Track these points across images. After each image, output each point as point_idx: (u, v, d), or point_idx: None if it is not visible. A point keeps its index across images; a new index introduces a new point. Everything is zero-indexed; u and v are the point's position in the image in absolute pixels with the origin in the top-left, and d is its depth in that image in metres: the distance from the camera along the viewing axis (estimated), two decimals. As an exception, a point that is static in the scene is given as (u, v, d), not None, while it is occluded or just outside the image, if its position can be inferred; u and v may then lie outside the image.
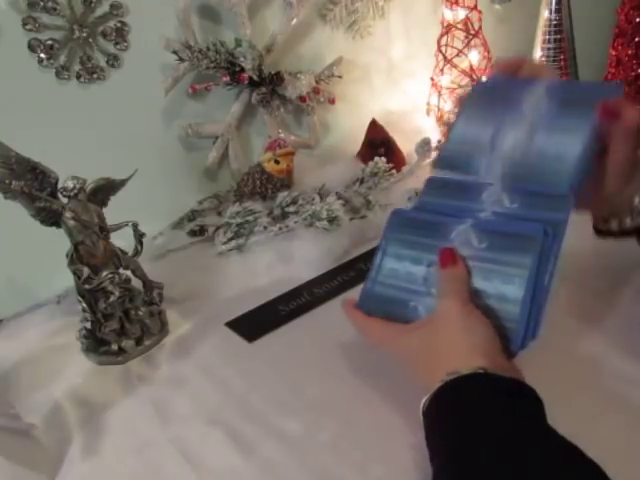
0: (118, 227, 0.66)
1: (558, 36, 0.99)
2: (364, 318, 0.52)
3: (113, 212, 0.65)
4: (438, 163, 0.55)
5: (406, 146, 0.99)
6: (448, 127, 0.55)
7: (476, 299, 0.46)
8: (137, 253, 0.68)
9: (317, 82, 0.98)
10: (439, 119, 1.04)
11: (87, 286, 0.63)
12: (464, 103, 0.55)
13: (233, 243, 0.81)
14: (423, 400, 0.43)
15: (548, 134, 0.49)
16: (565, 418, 0.38)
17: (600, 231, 0.54)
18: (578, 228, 0.54)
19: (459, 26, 0.98)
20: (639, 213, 0.49)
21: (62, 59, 0.80)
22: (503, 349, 0.44)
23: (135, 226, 0.67)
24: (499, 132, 0.51)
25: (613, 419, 0.47)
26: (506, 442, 0.36)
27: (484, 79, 0.56)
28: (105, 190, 0.65)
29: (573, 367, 0.52)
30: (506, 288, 0.45)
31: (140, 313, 0.67)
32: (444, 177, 0.54)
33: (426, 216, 0.52)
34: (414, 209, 0.54)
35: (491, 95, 0.54)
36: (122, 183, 0.66)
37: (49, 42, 0.78)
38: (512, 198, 0.48)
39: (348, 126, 1.07)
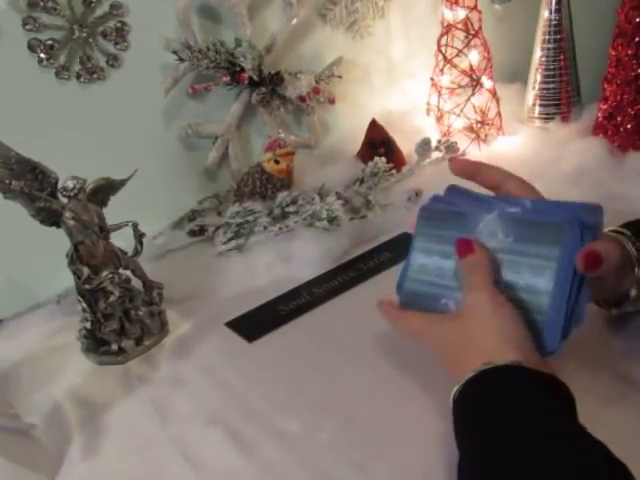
0: (118, 227, 0.66)
1: (558, 36, 0.99)
2: (398, 311, 0.53)
3: (113, 212, 0.65)
4: (401, 299, 0.53)
5: (406, 146, 0.99)
6: (406, 257, 0.55)
7: (507, 292, 0.46)
8: (137, 253, 0.68)
9: (317, 82, 0.98)
10: (439, 119, 1.04)
11: (87, 286, 0.63)
12: (417, 227, 0.53)
13: (233, 243, 0.81)
14: (454, 388, 0.43)
15: (516, 272, 0.46)
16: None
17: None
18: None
19: (459, 26, 0.98)
20: (637, 301, 0.50)
21: (62, 59, 0.80)
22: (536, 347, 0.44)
23: (135, 226, 0.67)
24: None
25: (613, 419, 0.47)
26: (531, 438, 0.36)
27: (435, 197, 0.54)
28: (105, 190, 0.65)
29: (573, 367, 0.52)
30: (537, 280, 0.45)
31: (140, 313, 0.67)
32: (440, 206, 0.53)
33: (453, 208, 0.51)
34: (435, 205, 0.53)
35: (440, 219, 0.52)
36: (122, 183, 0.66)
37: (49, 42, 0.78)
38: (507, 231, 0.47)
39: (348, 126, 1.07)
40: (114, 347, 0.66)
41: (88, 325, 0.66)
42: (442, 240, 0.51)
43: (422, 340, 0.50)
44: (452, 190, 0.54)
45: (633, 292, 0.50)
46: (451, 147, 0.97)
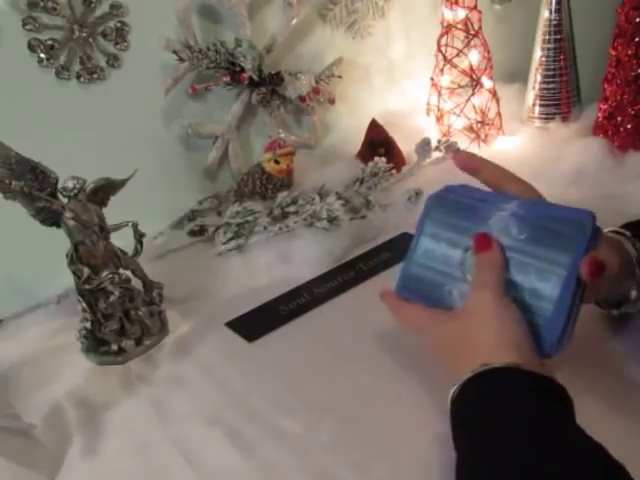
0: (118, 227, 0.66)
1: (558, 36, 0.99)
2: (401, 304, 0.52)
3: (113, 212, 0.65)
4: (401, 283, 0.52)
5: (406, 146, 0.99)
6: (412, 241, 0.53)
7: (511, 291, 0.46)
8: (137, 253, 0.68)
9: (317, 82, 0.98)
10: (439, 119, 1.04)
11: (87, 286, 0.63)
12: (424, 215, 0.52)
13: (233, 243, 0.81)
14: (452, 389, 0.43)
15: (523, 273, 0.46)
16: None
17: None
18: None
19: (459, 26, 0.98)
20: (637, 302, 0.51)
21: (62, 59, 0.80)
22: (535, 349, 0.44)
23: (135, 226, 0.67)
24: (468, 254, 0.49)
25: (613, 420, 0.47)
26: (528, 439, 0.36)
27: (442, 190, 0.53)
28: (105, 190, 0.65)
29: (573, 368, 0.52)
30: (542, 285, 0.44)
31: (140, 313, 0.67)
32: (450, 195, 0.52)
33: (467, 200, 0.51)
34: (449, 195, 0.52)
35: (453, 208, 0.51)
36: (122, 183, 0.66)
37: (49, 42, 0.78)
38: (521, 229, 0.47)
39: (348, 126, 1.07)
40: (114, 347, 0.66)
41: (88, 325, 0.66)
42: (452, 228, 0.50)
43: (423, 337, 0.50)
44: (465, 186, 0.53)
45: (633, 293, 0.50)
46: (451, 147, 0.97)
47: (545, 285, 0.44)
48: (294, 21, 0.94)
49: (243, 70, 0.91)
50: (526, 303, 0.45)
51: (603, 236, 0.47)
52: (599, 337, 0.56)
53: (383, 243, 0.80)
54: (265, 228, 0.82)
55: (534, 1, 1.01)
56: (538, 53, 1.01)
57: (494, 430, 0.38)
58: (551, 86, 1.02)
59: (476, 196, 0.51)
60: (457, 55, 0.99)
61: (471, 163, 0.52)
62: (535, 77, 1.03)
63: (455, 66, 1.00)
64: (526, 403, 0.39)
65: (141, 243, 0.68)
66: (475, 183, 0.53)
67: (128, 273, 0.67)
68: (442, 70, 1.01)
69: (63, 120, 0.82)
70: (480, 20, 0.98)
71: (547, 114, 1.03)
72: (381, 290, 0.54)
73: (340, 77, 1.02)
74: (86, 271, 0.63)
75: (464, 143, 0.99)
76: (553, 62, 1.00)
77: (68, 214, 0.61)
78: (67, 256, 0.64)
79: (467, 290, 0.47)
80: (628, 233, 0.50)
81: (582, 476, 0.33)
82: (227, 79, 0.91)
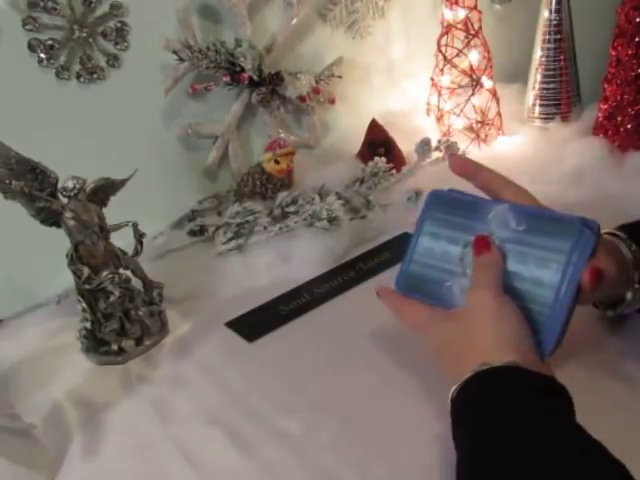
0: (118, 227, 0.66)
1: (558, 36, 0.99)
2: (400, 300, 0.52)
3: (113, 212, 0.65)
4: (402, 282, 0.52)
5: (406, 146, 0.99)
6: (411, 240, 0.53)
7: (511, 282, 0.46)
8: (137, 253, 0.68)
9: (317, 82, 0.98)
10: (439, 119, 1.04)
11: (87, 286, 0.63)
12: (422, 215, 0.53)
13: (233, 243, 0.81)
14: (452, 388, 0.43)
15: (523, 263, 0.46)
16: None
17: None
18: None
19: (459, 26, 0.98)
20: (635, 303, 0.51)
21: (62, 59, 0.80)
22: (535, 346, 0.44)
23: (135, 226, 0.67)
24: (467, 249, 0.49)
25: (613, 419, 0.47)
26: (528, 438, 0.36)
27: (438, 190, 0.54)
28: (105, 190, 0.65)
29: (573, 367, 0.52)
30: (542, 272, 0.45)
31: (140, 313, 0.66)
32: (449, 193, 0.53)
33: (465, 196, 0.52)
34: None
35: (451, 206, 0.52)
36: (122, 183, 0.66)
37: (49, 42, 0.78)
38: (519, 220, 0.47)
39: (348, 126, 1.07)
40: (114, 347, 0.66)
41: (88, 325, 0.66)
42: (451, 226, 0.51)
43: (421, 334, 0.50)
44: (454, 190, 0.53)
45: (629, 295, 0.50)
46: (451, 147, 0.97)
47: (545, 272, 0.45)
48: (294, 21, 0.94)
49: (243, 70, 0.91)
50: (528, 292, 0.45)
51: (601, 240, 0.47)
52: (596, 337, 0.56)
53: (383, 243, 0.80)
54: (265, 228, 0.82)
55: (534, 1, 1.01)
56: (538, 53, 1.01)
57: (494, 429, 0.38)
58: (551, 86, 1.02)
59: (470, 195, 0.52)
60: (457, 55, 0.99)
61: (467, 167, 0.52)
62: (535, 77, 1.03)
63: (455, 66, 1.00)
64: (527, 402, 0.39)
65: (141, 243, 0.68)
66: (470, 188, 0.53)
67: (128, 273, 0.67)
68: (442, 70, 1.01)
69: (63, 120, 0.82)
70: (480, 20, 0.98)
71: (547, 114, 1.03)
72: (377, 288, 0.54)
73: (340, 77, 1.02)
74: (86, 271, 0.63)
75: (464, 143, 0.99)
76: (553, 62, 1.00)
77: (68, 214, 0.61)
78: (67, 256, 0.64)
79: (468, 285, 0.48)
80: (623, 235, 0.50)
81: (583, 474, 0.33)
82: (227, 79, 0.91)
